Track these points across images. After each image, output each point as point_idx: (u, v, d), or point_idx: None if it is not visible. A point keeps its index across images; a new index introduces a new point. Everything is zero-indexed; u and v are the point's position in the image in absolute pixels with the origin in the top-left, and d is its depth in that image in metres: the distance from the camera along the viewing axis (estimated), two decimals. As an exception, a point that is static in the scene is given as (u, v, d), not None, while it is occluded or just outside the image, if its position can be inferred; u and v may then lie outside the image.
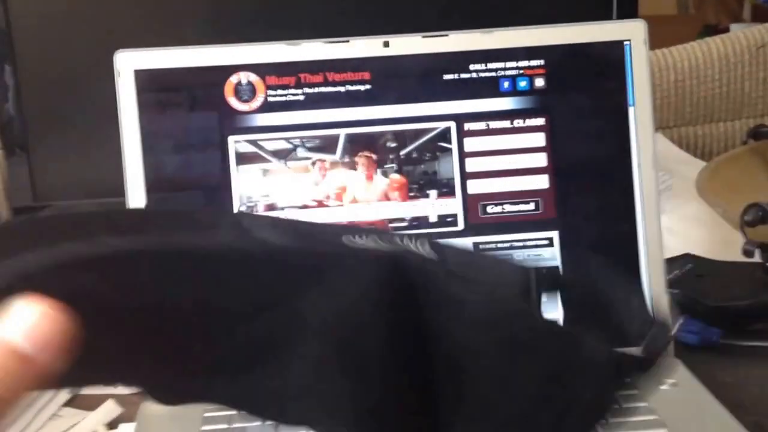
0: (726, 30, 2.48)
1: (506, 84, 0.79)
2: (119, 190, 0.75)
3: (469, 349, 0.33)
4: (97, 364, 0.30)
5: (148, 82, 0.76)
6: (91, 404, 0.77)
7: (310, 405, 0.33)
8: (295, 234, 0.36)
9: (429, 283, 0.33)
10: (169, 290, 0.30)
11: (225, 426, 0.72)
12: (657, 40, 0.82)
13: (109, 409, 0.76)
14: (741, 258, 0.93)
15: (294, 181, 0.78)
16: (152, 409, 0.74)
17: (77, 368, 0.29)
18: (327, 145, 0.78)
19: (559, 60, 0.80)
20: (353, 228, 0.37)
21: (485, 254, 0.37)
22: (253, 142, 0.78)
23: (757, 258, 0.91)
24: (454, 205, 0.79)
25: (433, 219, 0.79)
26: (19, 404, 0.28)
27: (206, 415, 0.73)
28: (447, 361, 0.33)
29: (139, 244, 0.30)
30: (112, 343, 0.30)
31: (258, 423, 0.72)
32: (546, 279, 0.36)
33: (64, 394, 0.77)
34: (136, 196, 0.75)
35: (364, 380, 0.33)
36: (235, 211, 0.37)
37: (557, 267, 0.78)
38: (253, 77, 0.77)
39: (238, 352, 0.32)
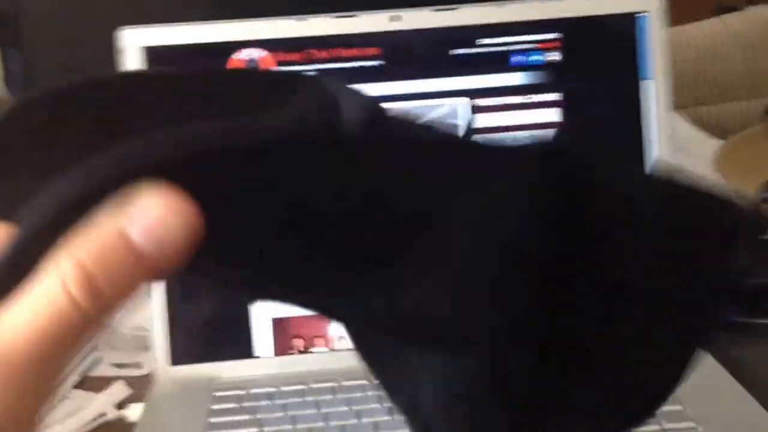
0: (741, 8, 2.45)
1: (519, 58, 0.78)
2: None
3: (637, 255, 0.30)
4: (209, 263, 0.27)
5: (154, 59, 0.75)
6: (100, 386, 0.76)
7: (438, 306, 0.29)
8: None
9: (597, 184, 0.29)
10: (313, 185, 0.26)
11: (234, 405, 0.71)
12: (672, 16, 0.80)
13: (119, 391, 0.75)
14: (758, 236, 0.92)
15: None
16: (162, 389, 0.74)
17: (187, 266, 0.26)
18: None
19: (574, 33, 0.78)
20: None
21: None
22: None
23: (774, 235, 0.90)
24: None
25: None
26: (129, 301, 0.26)
27: (216, 394, 0.73)
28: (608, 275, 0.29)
29: (273, 132, 0.26)
30: (233, 243, 0.27)
31: (265, 402, 0.71)
32: None
33: (74, 377, 0.77)
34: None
35: (512, 295, 0.28)
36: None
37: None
38: (260, 53, 0.76)
39: (375, 248, 0.28)
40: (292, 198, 0.26)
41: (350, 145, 0.27)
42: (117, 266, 0.25)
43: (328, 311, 0.31)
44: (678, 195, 0.31)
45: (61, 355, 0.26)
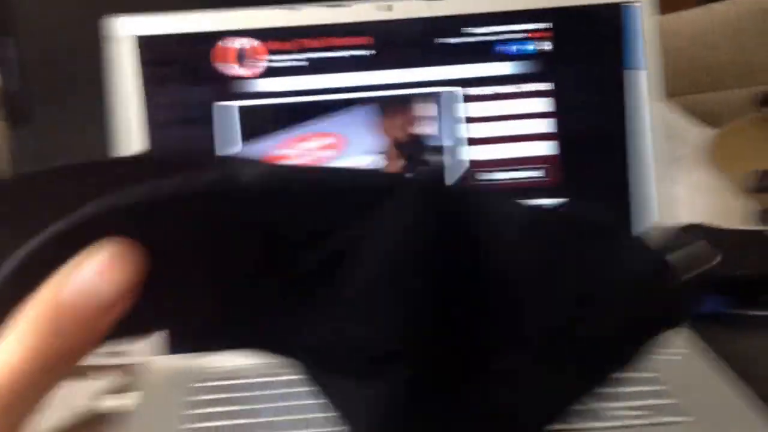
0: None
1: (511, 48, 0.78)
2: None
3: (514, 261, 0.32)
4: (149, 309, 0.30)
5: (145, 48, 0.75)
6: (91, 374, 0.76)
7: (358, 332, 0.32)
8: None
9: (473, 205, 0.33)
10: (231, 227, 0.30)
11: (227, 395, 0.71)
12: (665, 4, 0.80)
13: (110, 379, 0.75)
14: (747, 226, 0.92)
15: (295, 149, 0.77)
16: (153, 378, 0.74)
17: (133, 313, 0.29)
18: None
19: (565, 23, 0.78)
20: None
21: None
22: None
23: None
24: (457, 172, 0.78)
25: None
26: (94, 350, 0.28)
27: (208, 384, 0.73)
28: (494, 280, 0.32)
29: (194, 184, 0.29)
30: (170, 285, 0.30)
31: (257, 392, 0.71)
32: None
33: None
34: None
35: (418, 303, 0.32)
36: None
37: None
38: (253, 42, 0.76)
39: (294, 283, 0.31)
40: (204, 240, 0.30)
41: (247, 190, 0.30)
42: (76, 307, 0.28)
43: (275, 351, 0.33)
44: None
45: (37, 381, 0.28)
